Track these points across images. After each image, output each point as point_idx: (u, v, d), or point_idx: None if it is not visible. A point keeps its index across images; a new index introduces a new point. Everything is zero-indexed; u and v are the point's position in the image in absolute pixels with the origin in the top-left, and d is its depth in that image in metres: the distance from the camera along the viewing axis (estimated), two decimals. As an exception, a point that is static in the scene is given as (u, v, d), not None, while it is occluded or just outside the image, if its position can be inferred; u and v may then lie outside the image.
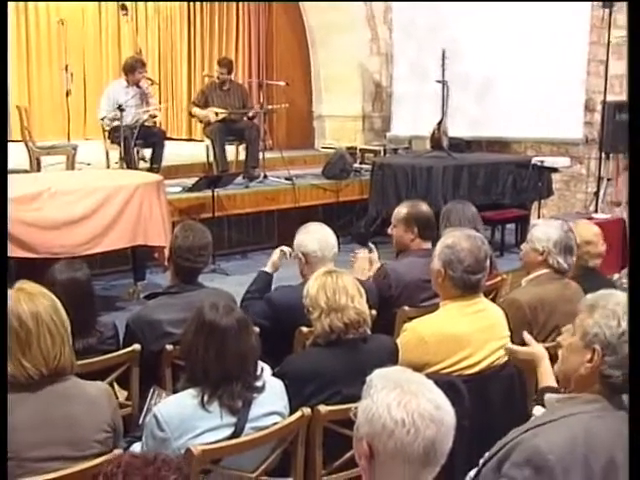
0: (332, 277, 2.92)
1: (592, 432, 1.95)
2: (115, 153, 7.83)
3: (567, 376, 2.10)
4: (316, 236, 3.74)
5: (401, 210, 4.35)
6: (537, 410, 2.20)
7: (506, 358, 3.17)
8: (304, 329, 3.31)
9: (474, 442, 2.56)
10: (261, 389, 2.55)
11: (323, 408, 2.64)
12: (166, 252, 4.19)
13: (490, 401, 3.12)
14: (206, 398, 2.45)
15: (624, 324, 1.98)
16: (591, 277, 4.04)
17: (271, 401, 2.60)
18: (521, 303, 3.52)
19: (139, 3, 12.28)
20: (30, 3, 11.92)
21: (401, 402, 1.62)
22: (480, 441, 2.24)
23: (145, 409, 2.98)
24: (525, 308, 3.51)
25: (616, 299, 2.06)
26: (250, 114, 8.91)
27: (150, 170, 7.76)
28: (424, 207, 4.38)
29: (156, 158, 8.12)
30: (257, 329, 3.39)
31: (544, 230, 3.76)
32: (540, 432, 1.96)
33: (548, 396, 2.14)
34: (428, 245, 4.16)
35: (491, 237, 8.22)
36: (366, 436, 1.65)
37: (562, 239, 3.69)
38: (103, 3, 12.49)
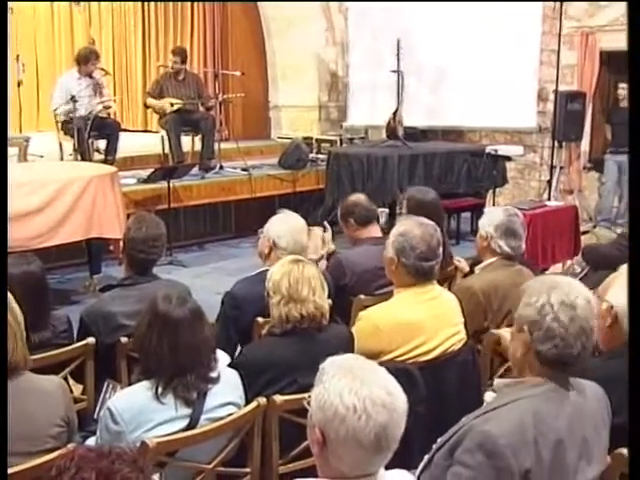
0: (298, 266, 2.90)
1: (540, 415, 1.99)
2: (69, 145, 7.73)
3: (513, 362, 2.15)
4: (292, 236, 3.67)
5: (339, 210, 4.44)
6: (488, 396, 2.23)
7: (461, 345, 3.22)
8: (260, 320, 3.32)
9: (430, 428, 2.58)
10: (216, 380, 2.54)
11: (278, 398, 2.64)
12: (121, 244, 4.16)
13: (445, 387, 3.15)
14: (160, 390, 2.43)
15: (542, 299, 2.04)
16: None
17: (226, 392, 2.59)
18: (475, 289, 3.56)
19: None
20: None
21: (353, 388, 1.64)
22: (436, 427, 2.26)
23: (100, 403, 2.96)
24: (479, 294, 3.55)
25: (542, 279, 2.15)
26: (206, 104, 8.86)
27: (105, 162, 7.68)
28: (353, 197, 4.46)
29: (111, 150, 8.03)
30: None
31: (488, 216, 3.84)
32: (490, 417, 2.00)
33: (497, 381, 2.18)
34: (378, 232, 4.21)
35: (447, 225, 8.30)
36: (318, 423, 1.67)
37: (503, 223, 3.75)
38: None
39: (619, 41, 9.22)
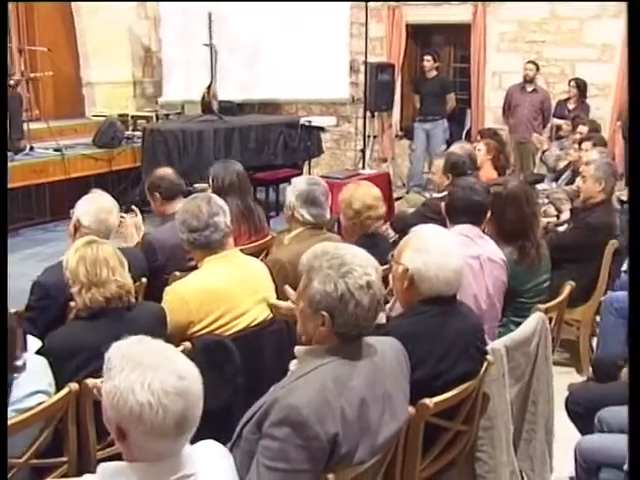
0: (92, 248, 2.85)
1: (340, 379, 2.05)
2: None
3: (309, 339, 2.20)
4: (96, 216, 3.61)
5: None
6: (293, 364, 2.27)
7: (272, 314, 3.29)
8: (73, 304, 3.23)
9: (249, 400, 2.62)
10: (21, 369, 2.45)
11: (91, 382, 2.58)
12: None
13: (261, 357, 3.21)
14: (-41, 385, 2.34)
15: (340, 287, 2.06)
16: (373, 242, 3.84)
17: (34, 380, 2.51)
18: (283, 262, 3.59)
19: None
20: None
21: (144, 383, 1.62)
22: (255, 398, 2.28)
23: None
24: (287, 266, 3.55)
25: (330, 261, 2.10)
26: (11, 82, 8.44)
27: None
28: (159, 171, 4.46)
29: None
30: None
31: (291, 186, 3.93)
32: (295, 388, 2.04)
33: (297, 348, 2.22)
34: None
35: (266, 197, 8.43)
36: (115, 420, 1.65)
37: (304, 192, 3.85)
38: None
39: (423, 15, 9.66)
